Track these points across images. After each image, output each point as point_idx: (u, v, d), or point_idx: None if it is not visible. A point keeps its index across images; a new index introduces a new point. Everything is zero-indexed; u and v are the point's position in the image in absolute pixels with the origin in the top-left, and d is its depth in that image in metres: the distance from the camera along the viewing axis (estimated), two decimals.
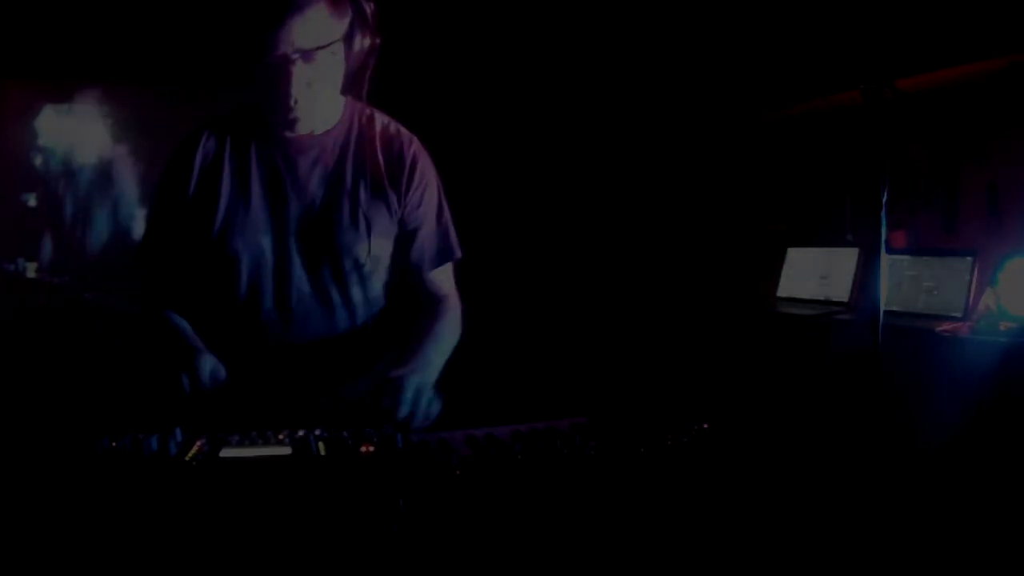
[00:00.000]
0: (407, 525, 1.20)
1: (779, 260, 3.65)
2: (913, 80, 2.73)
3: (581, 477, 1.19)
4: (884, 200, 2.37)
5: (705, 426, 1.23)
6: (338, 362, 1.58)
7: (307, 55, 1.38)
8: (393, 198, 1.56)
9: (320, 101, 1.48)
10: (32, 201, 3.77)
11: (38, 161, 3.76)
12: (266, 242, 1.51)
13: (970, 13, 2.60)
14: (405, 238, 1.60)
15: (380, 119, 1.61)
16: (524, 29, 3.73)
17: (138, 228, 3.91)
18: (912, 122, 2.94)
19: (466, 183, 2.07)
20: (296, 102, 1.42)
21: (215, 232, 1.51)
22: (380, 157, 1.56)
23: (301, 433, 1.30)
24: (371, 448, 1.24)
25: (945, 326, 2.57)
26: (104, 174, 3.85)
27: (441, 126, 1.89)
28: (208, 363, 1.43)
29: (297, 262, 1.53)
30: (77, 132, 3.79)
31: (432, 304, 1.64)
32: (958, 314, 2.72)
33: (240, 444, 1.27)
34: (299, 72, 1.39)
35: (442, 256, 1.65)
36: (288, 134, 1.51)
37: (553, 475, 1.19)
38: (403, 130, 1.62)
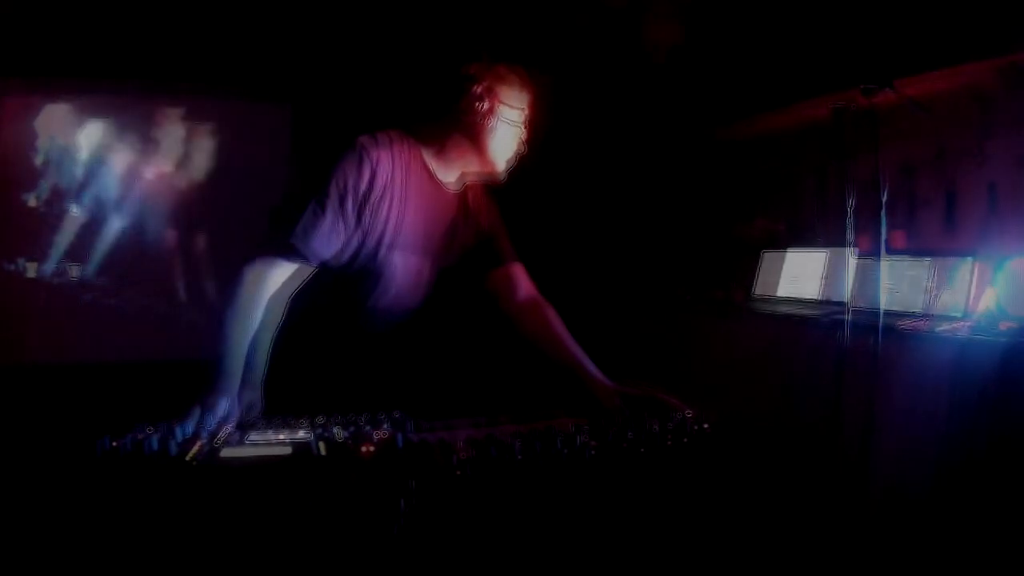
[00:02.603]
0: (407, 526, 1.20)
1: (779, 261, 3.66)
2: (913, 80, 2.73)
3: (581, 477, 1.19)
4: (884, 200, 2.38)
5: (706, 427, 1.23)
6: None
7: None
8: (483, 226, 1.87)
9: None
10: (32, 201, 3.76)
11: (38, 161, 3.75)
12: (413, 260, 1.75)
13: (968, 15, 2.60)
14: (486, 244, 1.87)
15: None
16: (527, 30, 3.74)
17: (139, 228, 3.91)
18: (912, 123, 2.92)
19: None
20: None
21: (383, 244, 1.68)
22: (479, 199, 1.87)
23: (302, 433, 1.30)
24: (371, 448, 1.24)
25: (944, 326, 2.57)
26: (103, 173, 3.85)
27: None
28: (225, 405, 1.43)
29: (429, 277, 1.81)
30: (77, 131, 3.79)
31: (545, 307, 1.87)
32: (957, 314, 2.72)
33: (240, 444, 1.27)
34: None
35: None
36: (440, 177, 1.75)
37: (553, 475, 1.19)
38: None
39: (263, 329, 1.60)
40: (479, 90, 1.63)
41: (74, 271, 3.84)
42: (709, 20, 3.84)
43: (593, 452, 1.20)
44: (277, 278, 1.61)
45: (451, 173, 1.76)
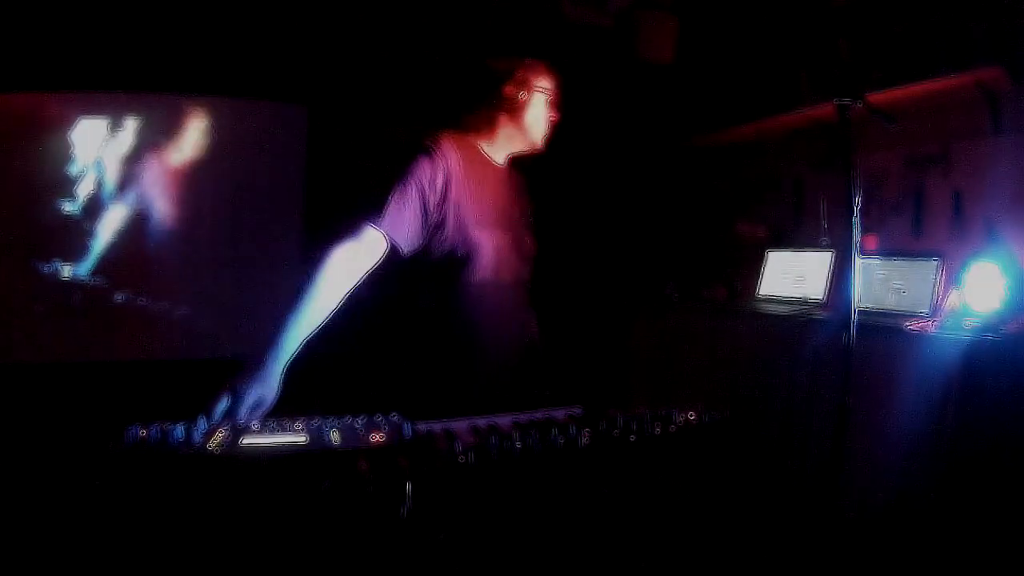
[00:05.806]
0: (414, 508, 1.28)
1: (771, 261, 3.70)
2: (886, 95, 2.80)
3: (575, 464, 1.26)
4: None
5: (691, 416, 1.29)
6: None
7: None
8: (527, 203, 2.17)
9: None
10: (67, 207, 3.94)
11: (73, 170, 3.92)
12: (498, 235, 1.96)
13: (936, 37, 2.70)
14: None
15: None
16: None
17: (163, 232, 4.05)
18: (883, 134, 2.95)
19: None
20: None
21: (464, 223, 1.89)
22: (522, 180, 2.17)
23: (316, 422, 1.38)
24: (381, 437, 1.32)
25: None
26: (134, 182, 4.01)
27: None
28: (256, 393, 1.52)
29: (520, 251, 2.04)
30: (109, 142, 3.95)
31: None
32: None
33: (260, 433, 1.35)
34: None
35: None
36: (492, 158, 2.05)
37: (549, 463, 1.26)
38: None
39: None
40: (518, 82, 1.98)
41: (105, 272, 4.00)
42: (714, 22, 3.89)
43: (587, 440, 1.27)
44: (359, 265, 1.76)
45: (500, 153, 2.07)
